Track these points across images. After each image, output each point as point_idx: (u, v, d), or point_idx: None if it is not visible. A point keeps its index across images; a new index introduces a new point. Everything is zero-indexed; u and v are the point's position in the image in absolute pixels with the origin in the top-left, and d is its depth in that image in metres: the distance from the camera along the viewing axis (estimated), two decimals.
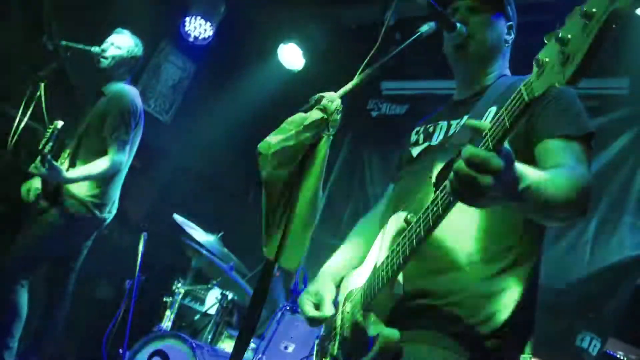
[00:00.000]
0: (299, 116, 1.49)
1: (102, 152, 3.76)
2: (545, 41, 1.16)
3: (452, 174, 1.21)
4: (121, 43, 4.03)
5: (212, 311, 4.39)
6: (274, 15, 5.65)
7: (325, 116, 1.47)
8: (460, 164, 1.18)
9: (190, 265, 4.58)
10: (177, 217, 4.24)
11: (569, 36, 1.08)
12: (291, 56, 5.61)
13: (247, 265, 4.62)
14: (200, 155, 5.85)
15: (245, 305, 4.51)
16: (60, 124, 3.69)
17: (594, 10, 1.05)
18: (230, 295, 4.29)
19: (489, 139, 1.20)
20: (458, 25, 1.83)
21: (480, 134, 1.23)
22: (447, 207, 1.33)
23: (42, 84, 3.77)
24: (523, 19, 2.06)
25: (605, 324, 3.80)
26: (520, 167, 1.26)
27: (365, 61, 1.64)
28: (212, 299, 4.55)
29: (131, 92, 3.95)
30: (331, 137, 1.49)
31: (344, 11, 5.58)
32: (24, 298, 3.60)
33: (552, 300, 3.91)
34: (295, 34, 5.53)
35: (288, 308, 3.72)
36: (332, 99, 1.50)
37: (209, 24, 5.36)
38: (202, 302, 4.72)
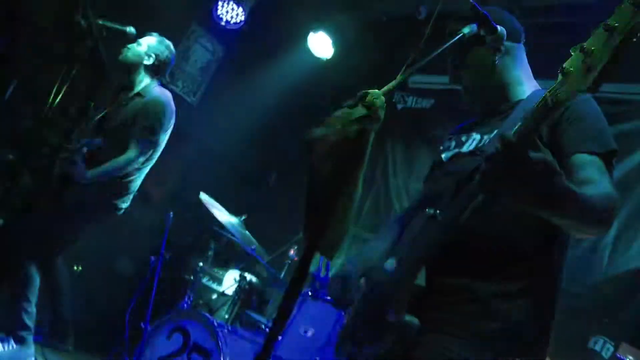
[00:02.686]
0: (345, 111, 1.53)
1: (124, 152, 3.80)
2: (571, 52, 1.26)
3: (487, 165, 1.29)
4: (152, 46, 4.07)
5: (229, 292, 4.47)
6: (305, 4, 5.67)
7: (370, 112, 1.52)
8: (497, 146, 1.26)
9: (210, 245, 4.66)
10: (204, 196, 4.29)
11: (593, 48, 1.20)
12: (320, 45, 5.63)
13: (266, 248, 4.70)
14: (225, 138, 5.91)
15: (263, 289, 4.59)
16: (106, 111, 3.80)
17: (617, 24, 1.17)
18: (249, 277, 4.37)
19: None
20: (499, 29, 1.86)
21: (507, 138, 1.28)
22: (470, 202, 1.41)
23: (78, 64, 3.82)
24: (549, 19, 2.07)
25: (620, 328, 3.82)
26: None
27: (410, 59, 1.67)
28: (229, 280, 4.63)
29: (168, 97, 4.01)
30: (374, 133, 1.54)
31: (375, 2, 5.59)
32: (34, 269, 3.69)
33: (568, 303, 3.94)
34: (325, 23, 5.56)
35: (309, 294, 3.79)
36: (377, 96, 1.55)
37: (241, 8, 5.41)
38: (220, 281, 4.81)
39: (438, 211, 1.66)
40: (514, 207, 1.39)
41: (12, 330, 3.58)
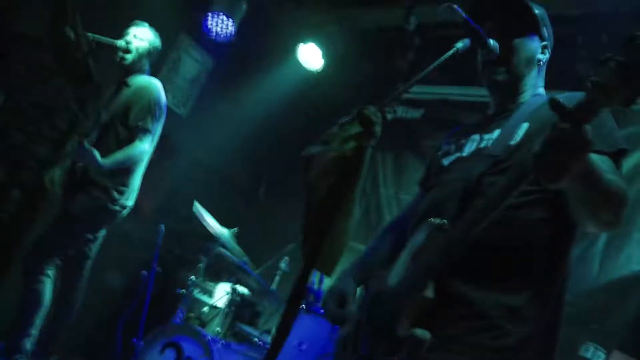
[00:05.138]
0: (341, 128, 1.54)
1: (126, 141, 3.84)
2: (604, 63, 1.21)
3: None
4: (143, 35, 4.12)
5: (220, 304, 4.44)
6: (295, 15, 5.69)
7: (367, 128, 1.53)
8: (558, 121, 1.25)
9: (201, 258, 4.64)
10: (197, 207, 4.27)
11: (629, 61, 1.15)
12: (310, 56, 5.65)
13: (256, 260, 4.68)
14: (215, 149, 5.90)
15: (255, 301, 4.57)
16: (103, 113, 3.82)
17: None
18: (240, 290, 4.35)
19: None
20: (491, 42, 1.88)
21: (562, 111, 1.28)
22: (487, 215, 1.42)
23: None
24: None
25: (611, 336, 3.84)
26: None
27: (406, 74, 1.69)
28: (220, 292, 4.60)
29: (157, 84, 4.05)
30: (371, 149, 1.54)
31: (364, 14, 5.62)
32: (48, 287, 3.67)
33: None
34: (315, 34, 5.58)
35: (303, 307, 3.77)
36: (374, 112, 1.56)
37: (230, 20, 5.41)
38: (210, 294, 4.78)
39: (445, 221, 1.64)
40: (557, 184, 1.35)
41: (8, 356, 3.55)
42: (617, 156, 1.66)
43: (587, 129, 1.24)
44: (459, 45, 1.83)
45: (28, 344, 3.60)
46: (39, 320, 3.64)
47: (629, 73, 1.16)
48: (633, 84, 1.15)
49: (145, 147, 3.88)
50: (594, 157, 1.50)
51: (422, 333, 1.56)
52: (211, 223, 4.31)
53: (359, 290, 1.93)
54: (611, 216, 1.52)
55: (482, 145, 1.85)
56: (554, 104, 1.25)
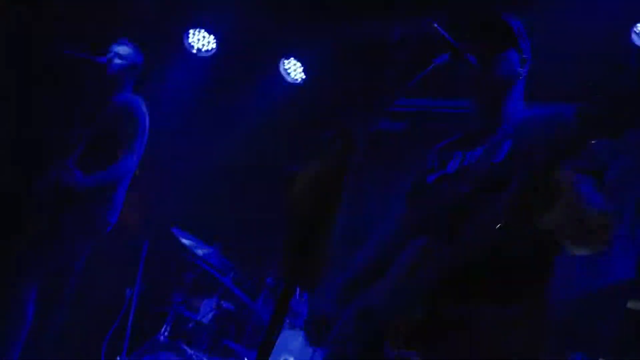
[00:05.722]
0: (323, 144, 1.54)
1: (109, 160, 3.82)
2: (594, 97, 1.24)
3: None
4: (124, 52, 4.12)
5: (206, 320, 4.41)
6: (277, 29, 5.70)
7: (351, 143, 1.53)
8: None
9: (186, 274, 4.61)
10: (176, 231, 4.27)
11: (618, 94, 1.18)
12: (293, 71, 5.67)
13: (242, 274, 4.66)
14: (199, 164, 5.88)
15: (241, 317, 4.55)
16: (87, 130, 3.81)
17: None
18: (225, 306, 4.33)
19: None
20: (471, 59, 1.89)
21: None
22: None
23: None
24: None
25: (596, 345, 3.85)
26: None
27: (397, 94, 1.69)
28: (206, 308, 4.57)
29: (140, 102, 4.03)
30: (355, 164, 1.54)
31: (347, 27, 5.64)
32: (30, 305, 3.62)
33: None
34: (297, 48, 5.60)
35: (287, 322, 3.75)
36: (355, 127, 1.56)
37: (212, 36, 5.42)
38: (197, 310, 4.75)
39: (434, 241, 1.65)
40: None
41: None
42: (600, 174, 1.66)
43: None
44: (438, 61, 1.84)
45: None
46: (23, 336, 3.58)
47: (618, 105, 1.17)
48: (623, 116, 1.16)
49: (128, 167, 3.87)
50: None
51: (410, 356, 1.56)
52: (193, 244, 4.30)
53: (341, 310, 1.91)
54: (597, 246, 1.56)
55: (466, 163, 1.85)
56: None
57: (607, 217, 1.51)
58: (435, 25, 1.80)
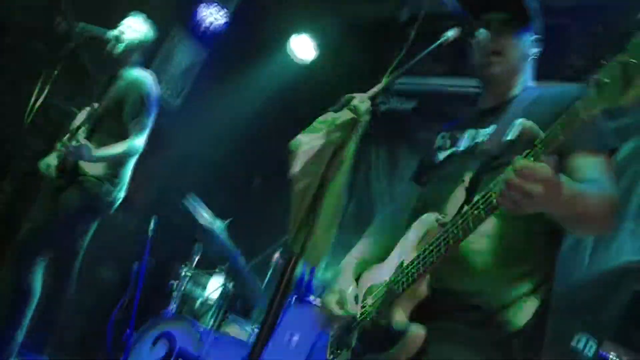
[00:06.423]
0: (330, 116, 1.53)
1: (119, 135, 3.83)
2: (606, 62, 1.20)
3: (498, 180, 1.32)
4: (137, 27, 4.09)
5: (214, 296, 4.44)
6: (288, 6, 5.66)
7: (356, 117, 1.51)
8: (509, 173, 1.29)
9: (194, 250, 4.62)
10: (188, 200, 4.26)
11: (633, 60, 1.13)
12: (303, 48, 5.63)
13: (249, 252, 4.67)
14: (207, 141, 5.87)
15: (247, 293, 4.57)
16: (96, 105, 3.77)
17: None
18: (233, 282, 4.35)
19: (540, 149, 1.30)
20: (482, 31, 1.87)
21: (532, 137, 1.33)
22: (489, 211, 1.42)
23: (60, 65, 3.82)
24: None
25: (603, 327, 3.85)
26: (562, 176, 1.36)
27: (395, 63, 1.67)
28: (214, 284, 4.60)
29: (150, 77, 4.02)
30: (360, 138, 1.53)
31: (357, 5, 5.59)
32: (38, 278, 3.65)
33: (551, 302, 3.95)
34: (308, 25, 5.56)
35: (294, 297, 3.77)
36: (362, 100, 1.54)
37: (223, 11, 5.39)
38: (204, 286, 4.77)
39: (443, 217, 1.64)
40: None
41: None
42: (609, 155, 1.66)
43: (537, 188, 1.26)
44: (449, 33, 1.81)
45: (19, 336, 3.58)
46: (29, 313, 3.62)
47: (631, 73, 1.14)
48: (634, 83, 1.13)
49: (138, 144, 3.85)
50: (581, 159, 1.57)
51: (417, 328, 1.57)
52: (205, 215, 4.29)
53: (355, 286, 1.92)
54: (598, 228, 1.60)
55: (478, 140, 1.84)
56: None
57: (606, 206, 1.52)
58: None
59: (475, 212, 1.44)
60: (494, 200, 1.38)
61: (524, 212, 1.34)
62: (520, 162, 1.28)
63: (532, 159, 1.30)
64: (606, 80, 1.18)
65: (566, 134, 1.27)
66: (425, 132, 5.24)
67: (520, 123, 1.40)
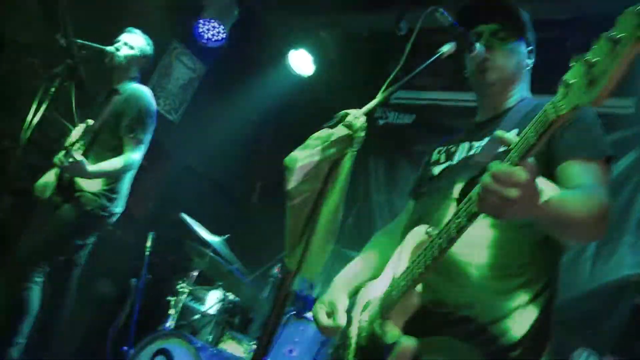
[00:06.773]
0: (325, 132, 1.53)
1: (116, 150, 3.82)
2: (572, 64, 1.23)
3: (478, 187, 1.31)
4: (134, 42, 4.11)
5: (212, 311, 4.42)
6: (286, 21, 5.69)
7: (351, 132, 1.52)
8: (486, 178, 1.28)
9: (192, 265, 4.61)
10: (185, 217, 4.27)
11: (596, 59, 1.15)
12: (301, 62, 5.65)
13: (249, 266, 4.66)
14: (206, 156, 5.88)
15: (246, 308, 4.55)
16: (91, 122, 3.77)
17: (621, 35, 1.12)
18: (232, 297, 4.33)
19: (514, 153, 1.30)
20: (477, 46, 1.88)
21: (506, 145, 1.32)
22: (470, 219, 1.40)
23: (57, 81, 3.82)
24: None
25: (603, 341, 3.83)
26: (542, 181, 1.34)
27: (390, 77, 1.68)
28: (212, 299, 4.58)
29: (147, 92, 4.03)
30: (355, 153, 1.54)
31: (355, 19, 5.62)
32: (36, 295, 3.63)
33: None
34: (306, 40, 5.58)
35: (293, 312, 3.75)
36: (357, 116, 1.55)
37: (222, 26, 5.41)
38: (202, 301, 4.75)
39: (433, 229, 1.64)
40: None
41: None
42: (604, 162, 1.65)
43: (514, 192, 1.26)
44: (444, 48, 1.83)
45: (15, 353, 3.56)
46: (26, 328, 3.60)
47: (594, 71, 1.15)
48: (599, 82, 1.14)
49: (136, 159, 3.85)
50: (575, 166, 1.57)
51: (407, 340, 1.56)
52: (201, 232, 4.29)
53: (349, 301, 1.91)
54: (585, 235, 1.56)
55: (472, 152, 1.84)
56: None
57: (596, 214, 1.49)
58: (443, 12, 1.79)
59: (457, 220, 1.44)
60: (475, 207, 1.37)
61: (505, 217, 1.33)
62: (497, 166, 1.28)
63: (508, 163, 1.30)
64: (571, 80, 1.20)
65: (540, 137, 1.27)
66: (424, 146, 5.25)
67: (494, 134, 1.40)
